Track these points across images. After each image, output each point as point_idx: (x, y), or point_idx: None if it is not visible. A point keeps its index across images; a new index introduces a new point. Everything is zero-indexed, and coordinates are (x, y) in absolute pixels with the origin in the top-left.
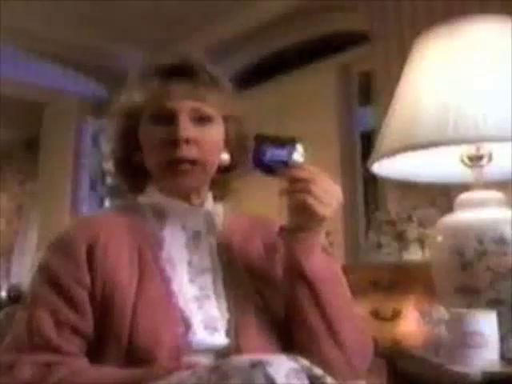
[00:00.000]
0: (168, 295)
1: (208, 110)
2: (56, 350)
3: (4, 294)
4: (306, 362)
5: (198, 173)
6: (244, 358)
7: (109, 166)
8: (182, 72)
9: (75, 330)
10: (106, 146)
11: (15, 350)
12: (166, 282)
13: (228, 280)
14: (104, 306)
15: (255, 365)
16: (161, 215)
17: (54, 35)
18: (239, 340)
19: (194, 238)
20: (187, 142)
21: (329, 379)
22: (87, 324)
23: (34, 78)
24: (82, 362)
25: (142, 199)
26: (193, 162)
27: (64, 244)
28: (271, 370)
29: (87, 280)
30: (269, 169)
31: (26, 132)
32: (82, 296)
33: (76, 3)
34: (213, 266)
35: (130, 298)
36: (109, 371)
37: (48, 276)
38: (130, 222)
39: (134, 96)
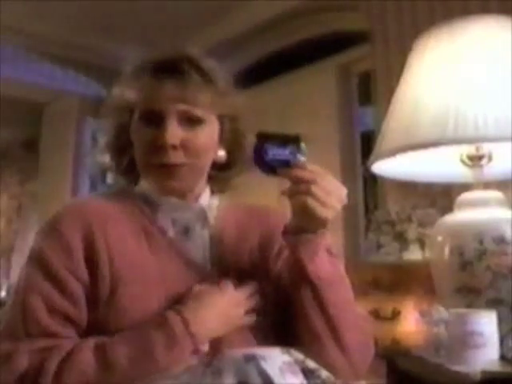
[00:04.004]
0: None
1: (198, 112)
2: (51, 335)
3: (4, 293)
4: (299, 355)
5: (186, 175)
6: (238, 353)
7: (105, 159)
8: (173, 69)
9: (68, 318)
10: (102, 141)
11: (11, 339)
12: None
13: (215, 275)
14: (117, 296)
15: (249, 359)
16: (153, 206)
17: (53, 35)
18: (221, 339)
19: (185, 233)
20: (174, 147)
21: (323, 372)
22: (80, 313)
23: (34, 78)
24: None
25: (137, 188)
26: (180, 166)
27: (57, 233)
28: (265, 364)
29: (83, 274)
30: (270, 168)
31: (26, 132)
32: (76, 287)
33: (76, 3)
34: (203, 260)
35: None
36: (112, 346)
37: (41, 264)
38: (126, 210)
39: (125, 93)
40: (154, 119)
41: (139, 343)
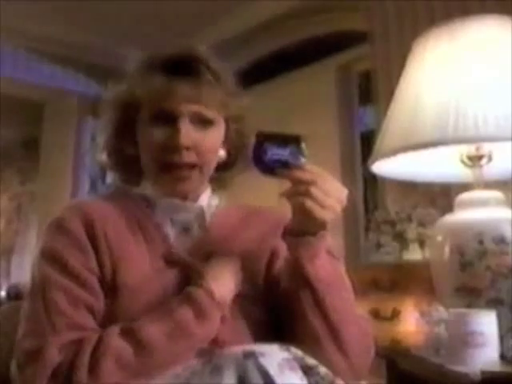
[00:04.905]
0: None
1: (210, 113)
2: (78, 327)
3: (3, 293)
4: (298, 352)
5: (196, 177)
6: (237, 349)
7: (103, 157)
8: (185, 68)
9: (90, 309)
10: (101, 138)
11: (37, 335)
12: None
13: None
14: (119, 287)
15: (248, 356)
16: (150, 204)
17: (54, 35)
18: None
19: (183, 233)
20: (187, 149)
21: (322, 369)
22: (100, 305)
23: (34, 77)
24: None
25: (136, 189)
26: (192, 167)
27: (64, 231)
28: (263, 361)
29: (95, 266)
30: (269, 168)
31: (26, 132)
32: (93, 279)
33: (76, 3)
34: (196, 257)
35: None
36: (143, 327)
37: (56, 262)
38: (123, 208)
39: (134, 88)
40: (166, 119)
41: (171, 321)
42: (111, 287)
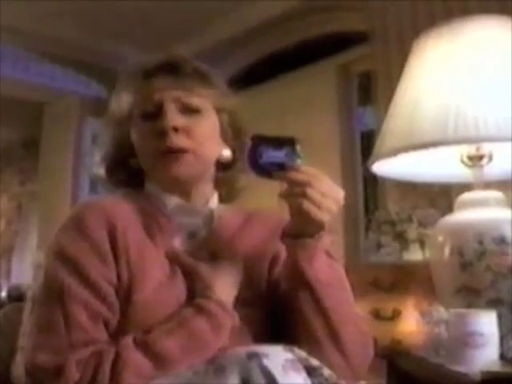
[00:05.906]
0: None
1: (195, 100)
2: (95, 341)
3: (4, 294)
4: (302, 353)
5: (190, 161)
6: (240, 350)
7: (101, 172)
8: (167, 69)
9: (106, 323)
10: (99, 154)
11: (55, 351)
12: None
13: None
14: (133, 297)
15: (251, 356)
16: (160, 208)
17: (54, 35)
18: None
19: (190, 238)
20: (175, 130)
21: (326, 370)
22: (115, 318)
23: (34, 77)
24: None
25: (147, 188)
26: (184, 151)
27: (85, 236)
28: (267, 362)
29: (114, 277)
30: (265, 171)
31: (26, 132)
32: (111, 292)
33: (76, 3)
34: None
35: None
36: (159, 340)
37: (75, 269)
38: (140, 210)
39: (122, 101)
40: (154, 113)
41: (187, 334)
42: (125, 300)
